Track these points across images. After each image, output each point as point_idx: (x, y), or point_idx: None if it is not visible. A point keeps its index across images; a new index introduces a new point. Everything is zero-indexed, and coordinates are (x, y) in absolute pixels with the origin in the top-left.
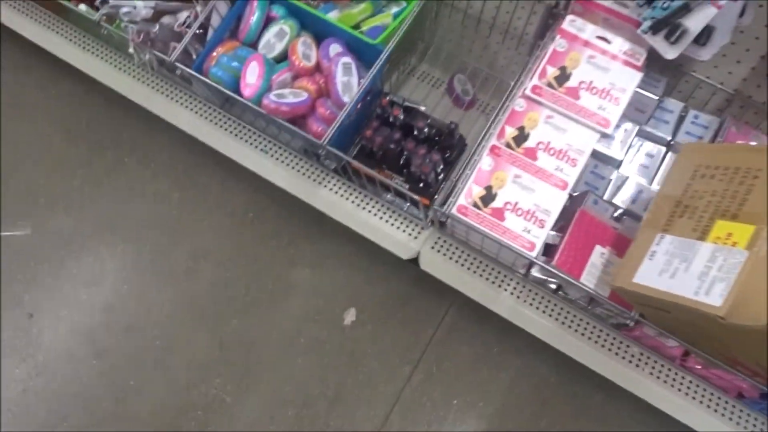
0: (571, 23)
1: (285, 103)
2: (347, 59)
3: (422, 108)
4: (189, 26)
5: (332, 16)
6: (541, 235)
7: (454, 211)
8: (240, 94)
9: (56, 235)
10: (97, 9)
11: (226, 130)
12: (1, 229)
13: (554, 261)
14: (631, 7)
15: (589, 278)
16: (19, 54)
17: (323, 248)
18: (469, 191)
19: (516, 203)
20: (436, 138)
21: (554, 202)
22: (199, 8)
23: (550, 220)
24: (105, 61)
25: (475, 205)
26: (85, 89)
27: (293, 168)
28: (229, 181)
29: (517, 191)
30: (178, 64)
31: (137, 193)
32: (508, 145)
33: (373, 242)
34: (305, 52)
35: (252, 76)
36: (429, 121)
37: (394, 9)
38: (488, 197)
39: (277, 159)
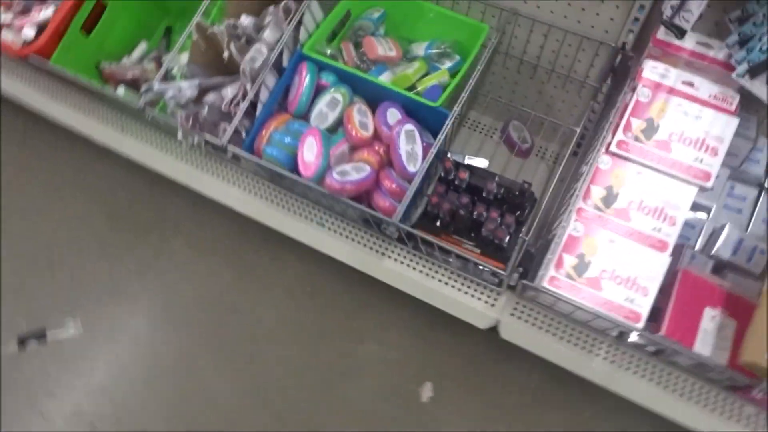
0: (652, 70)
1: (349, 181)
2: (410, 126)
3: (485, 164)
4: (237, 104)
5: (385, 78)
6: (645, 305)
7: (545, 283)
8: (298, 173)
9: (108, 326)
10: (137, 90)
11: (277, 204)
12: (47, 332)
13: (662, 330)
14: (717, 48)
15: (703, 346)
16: (51, 136)
17: (389, 319)
18: (560, 261)
19: (613, 270)
20: (506, 196)
21: (656, 266)
22: (248, 85)
23: (654, 287)
24: (146, 142)
25: (569, 276)
26: (123, 169)
27: (352, 240)
28: (282, 256)
29: (613, 257)
30: (230, 147)
31: (188, 276)
32: (597, 207)
33: (444, 311)
34: (362, 120)
35: (310, 154)
36: (497, 179)
37: (448, 64)
38: (582, 266)
39: (335, 231)
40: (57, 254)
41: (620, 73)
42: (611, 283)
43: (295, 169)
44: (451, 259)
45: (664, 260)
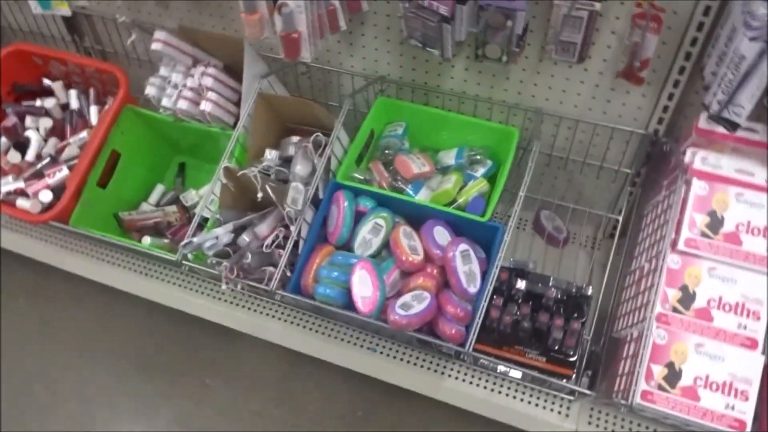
0: (703, 161)
1: (415, 314)
2: (464, 246)
3: (531, 265)
4: (278, 246)
5: (423, 196)
6: (748, 410)
7: (638, 399)
8: (352, 307)
9: None
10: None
11: (322, 333)
12: None
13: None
14: (761, 131)
15: None
16: (62, 286)
17: None
18: (649, 372)
19: (707, 376)
20: (563, 299)
21: (750, 366)
22: (293, 228)
23: (753, 390)
24: (175, 286)
25: (661, 388)
26: (145, 311)
27: (407, 362)
28: (329, 384)
29: (705, 362)
30: (279, 292)
31: (232, 418)
32: (675, 310)
33: (516, 427)
34: (410, 244)
35: (365, 288)
36: (553, 283)
37: (481, 170)
38: (673, 376)
39: (388, 355)
40: (90, 415)
41: (655, 158)
42: (708, 392)
43: (349, 303)
44: (513, 371)
45: (757, 359)
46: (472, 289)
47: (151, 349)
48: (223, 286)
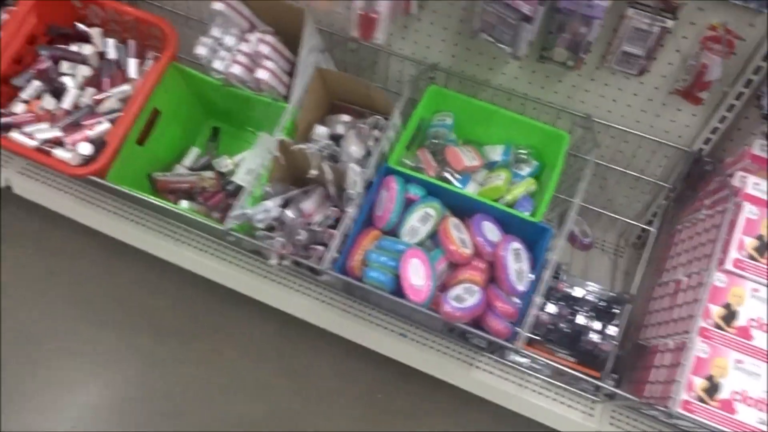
0: (755, 186)
1: (468, 308)
2: (516, 245)
3: (563, 268)
4: (330, 226)
5: (471, 189)
6: None
7: (678, 408)
8: (399, 295)
9: None
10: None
11: (354, 315)
12: None
13: None
14: None
15: None
16: (69, 238)
17: (459, 422)
18: (690, 383)
19: (744, 392)
20: (600, 304)
21: None
22: (349, 209)
23: None
24: (203, 252)
25: (700, 399)
26: (157, 274)
27: (437, 350)
28: (345, 362)
29: (743, 378)
30: (330, 272)
31: (243, 385)
32: (718, 326)
33: (535, 421)
34: (460, 237)
35: (418, 277)
36: (590, 286)
37: (526, 170)
38: (712, 388)
39: (417, 342)
40: (83, 373)
41: (694, 176)
42: (743, 406)
43: (396, 289)
44: (540, 368)
45: None
46: (521, 288)
47: (162, 312)
48: (273, 261)
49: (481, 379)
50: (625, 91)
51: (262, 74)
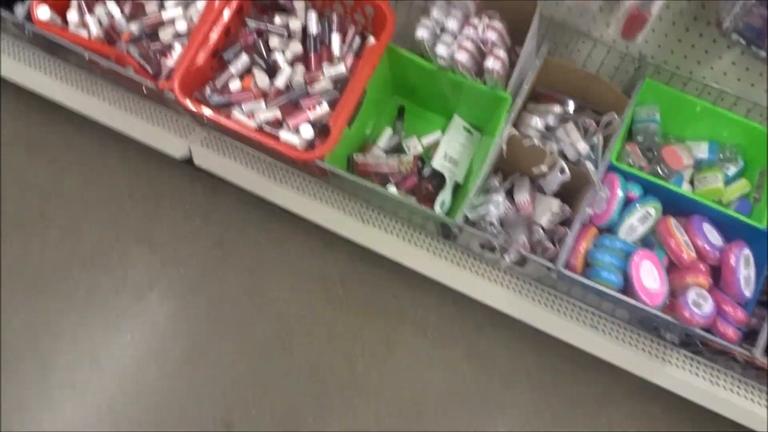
0: None
1: (707, 314)
2: (747, 252)
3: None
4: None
5: (687, 188)
6: None
7: None
8: (630, 295)
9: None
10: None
11: (545, 305)
12: None
13: None
14: None
15: None
16: (258, 213)
17: (635, 413)
18: None
19: None
20: None
21: None
22: (589, 210)
23: None
24: (392, 234)
25: None
26: (326, 244)
27: (629, 344)
28: (516, 343)
29: None
30: (566, 272)
31: (424, 367)
32: None
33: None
34: (684, 239)
35: (652, 280)
36: None
37: (733, 169)
38: None
39: (609, 334)
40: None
41: None
42: None
43: (624, 290)
44: (730, 363)
45: None
46: (748, 294)
47: (336, 283)
48: (507, 259)
49: (672, 374)
50: None
51: (493, 64)
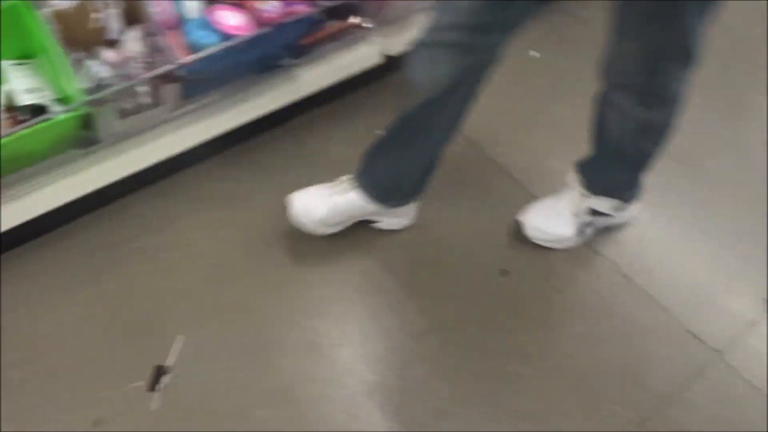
0: None
1: (277, 8)
2: None
3: None
4: None
5: None
6: None
7: None
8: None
9: None
10: None
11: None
12: None
13: None
14: None
15: None
16: None
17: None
18: None
19: None
20: None
21: None
22: None
23: None
24: None
25: None
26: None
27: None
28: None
29: None
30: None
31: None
32: None
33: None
34: None
35: (234, 20)
36: None
37: None
38: None
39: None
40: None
41: None
42: None
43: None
44: None
45: None
46: None
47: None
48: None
49: (305, 79)
50: None
51: None
